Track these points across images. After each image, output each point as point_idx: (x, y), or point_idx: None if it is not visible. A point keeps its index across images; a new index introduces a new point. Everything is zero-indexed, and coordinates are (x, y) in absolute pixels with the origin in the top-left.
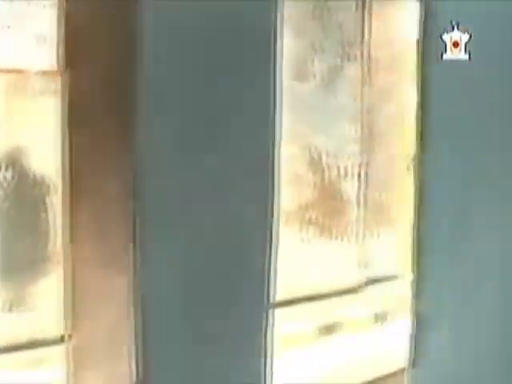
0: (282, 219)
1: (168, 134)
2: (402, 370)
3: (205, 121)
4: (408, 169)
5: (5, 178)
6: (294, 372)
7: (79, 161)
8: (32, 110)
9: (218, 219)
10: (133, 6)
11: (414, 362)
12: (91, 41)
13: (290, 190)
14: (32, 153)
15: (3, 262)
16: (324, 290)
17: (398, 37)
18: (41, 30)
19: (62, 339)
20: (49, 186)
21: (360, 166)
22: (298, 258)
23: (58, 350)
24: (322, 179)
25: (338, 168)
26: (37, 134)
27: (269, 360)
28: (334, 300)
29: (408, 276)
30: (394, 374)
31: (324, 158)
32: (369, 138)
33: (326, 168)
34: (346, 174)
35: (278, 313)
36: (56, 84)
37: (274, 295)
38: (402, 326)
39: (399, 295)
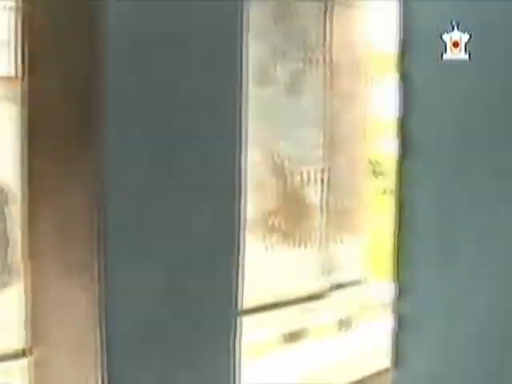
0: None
1: (133, 141)
2: (369, 376)
3: (170, 127)
4: (374, 173)
5: None
6: (259, 380)
7: (40, 170)
8: None
9: (183, 228)
10: (96, 10)
11: (397, 363)
12: (52, 45)
13: (253, 196)
14: None
15: None
16: (288, 296)
17: (360, 41)
18: None
19: (22, 353)
20: (7, 196)
21: (323, 171)
22: (261, 266)
23: (19, 365)
24: (285, 185)
25: (301, 174)
26: None
27: (237, 369)
28: (298, 307)
29: (372, 281)
30: (360, 381)
31: (287, 163)
32: (332, 143)
33: (288, 174)
34: (308, 180)
35: (242, 321)
36: (15, 91)
37: (242, 303)
38: (367, 331)
39: (363, 300)
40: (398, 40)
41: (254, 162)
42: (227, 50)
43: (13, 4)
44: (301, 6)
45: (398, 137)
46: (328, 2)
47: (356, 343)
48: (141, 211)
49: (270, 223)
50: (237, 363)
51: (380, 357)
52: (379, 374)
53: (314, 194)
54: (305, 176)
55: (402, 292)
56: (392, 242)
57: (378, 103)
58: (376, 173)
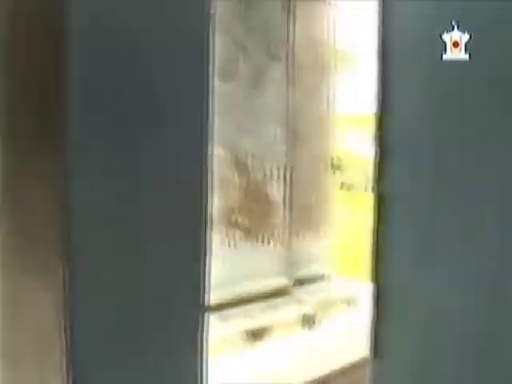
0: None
1: (96, 140)
2: (335, 373)
3: (134, 124)
4: (332, 168)
5: None
6: (224, 377)
7: (2, 171)
8: None
9: (148, 225)
10: (58, 3)
11: (375, 353)
12: (13, 44)
13: (216, 192)
14: None
15: None
16: (251, 292)
17: (323, 37)
18: None
19: None
20: None
21: (285, 167)
22: (224, 262)
23: None
24: (248, 181)
25: (264, 170)
26: None
27: (204, 367)
28: (262, 303)
29: (335, 276)
30: (327, 376)
31: (250, 159)
32: (294, 140)
33: (251, 170)
34: (271, 176)
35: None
36: None
37: (209, 299)
38: (332, 327)
39: (327, 296)
40: (378, 39)
41: (216, 157)
42: (194, 45)
43: None
44: (264, 1)
45: (376, 135)
46: None
47: (319, 339)
48: (105, 210)
49: (232, 219)
50: (204, 361)
51: (344, 353)
52: (344, 370)
53: (276, 190)
54: (267, 172)
55: (380, 290)
56: (371, 240)
57: (340, 99)
58: (334, 167)
